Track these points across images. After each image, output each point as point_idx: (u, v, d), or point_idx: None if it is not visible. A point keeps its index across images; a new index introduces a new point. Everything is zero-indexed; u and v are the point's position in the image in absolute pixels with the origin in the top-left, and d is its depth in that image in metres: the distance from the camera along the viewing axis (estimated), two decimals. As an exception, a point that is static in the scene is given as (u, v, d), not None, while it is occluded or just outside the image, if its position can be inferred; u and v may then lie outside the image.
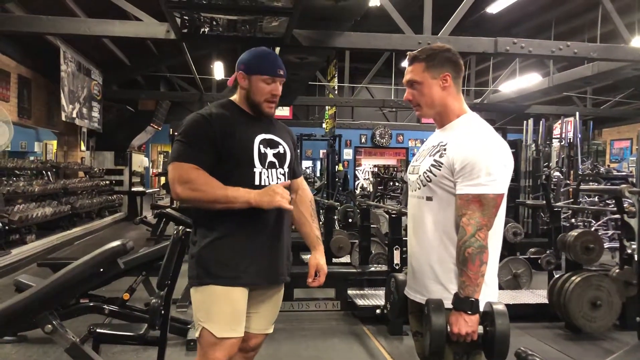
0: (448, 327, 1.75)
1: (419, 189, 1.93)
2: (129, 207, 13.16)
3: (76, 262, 2.37)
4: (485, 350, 1.78)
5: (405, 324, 4.37)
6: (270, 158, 2.17)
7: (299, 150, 13.02)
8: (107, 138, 12.76)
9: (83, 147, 11.91)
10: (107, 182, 12.16)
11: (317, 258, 2.29)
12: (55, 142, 12.65)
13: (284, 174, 2.21)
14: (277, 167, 2.19)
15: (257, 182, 2.12)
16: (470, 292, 1.74)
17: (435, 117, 1.98)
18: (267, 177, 2.15)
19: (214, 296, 2.06)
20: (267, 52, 2.20)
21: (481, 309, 1.77)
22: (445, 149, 1.86)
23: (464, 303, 1.74)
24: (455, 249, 1.80)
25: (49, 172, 9.66)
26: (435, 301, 1.79)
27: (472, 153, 1.79)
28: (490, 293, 1.85)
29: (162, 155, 20.42)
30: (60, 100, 9.24)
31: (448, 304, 1.79)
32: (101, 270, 2.35)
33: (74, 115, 9.95)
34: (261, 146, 2.15)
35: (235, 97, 2.24)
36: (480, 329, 1.76)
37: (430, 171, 1.87)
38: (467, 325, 1.73)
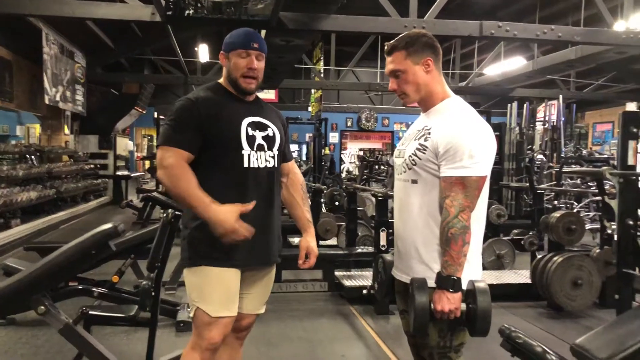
0: (432, 305, 1.80)
1: (405, 172, 1.97)
2: (114, 191, 13.09)
3: (68, 244, 2.39)
4: (468, 326, 1.84)
5: (392, 304, 4.46)
6: (259, 140, 2.18)
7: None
8: (91, 121, 12.63)
9: (67, 131, 11.79)
10: (91, 166, 12.06)
11: (307, 240, 2.32)
12: (38, 126, 12.50)
13: (273, 157, 2.22)
14: (266, 149, 2.20)
15: (245, 164, 2.13)
16: (453, 271, 1.79)
17: (420, 102, 2.02)
18: (257, 159, 2.16)
19: (207, 277, 2.10)
20: (243, 29, 2.22)
21: (464, 287, 1.82)
22: (429, 133, 1.90)
23: (447, 281, 1.79)
24: (438, 229, 1.84)
25: (32, 156, 9.56)
26: (419, 280, 1.83)
27: (455, 137, 1.83)
28: (474, 272, 1.91)
29: (146, 139, 20.29)
30: (43, 84, 9.14)
31: (432, 282, 1.84)
32: (93, 252, 2.37)
33: (58, 98, 9.85)
34: (249, 129, 2.16)
35: (222, 80, 2.26)
36: (463, 306, 1.81)
37: (416, 155, 1.91)
38: (449, 302, 1.78)
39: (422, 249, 1.91)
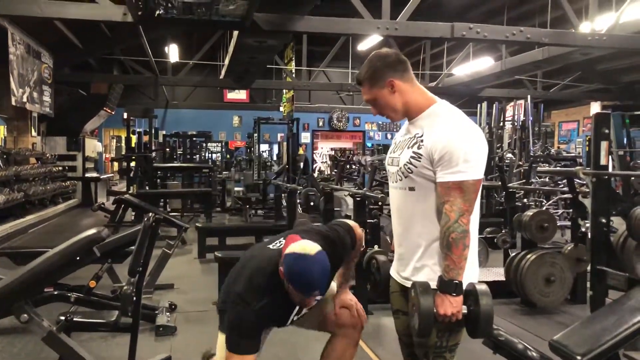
0: (434, 308, 1.81)
1: (401, 180, 1.98)
2: (83, 193, 12.83)
3: (52, 250, 2.35)
4: (469, 328, 1.87)
5: (370, 304, 4.51)
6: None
7: (257, 135, 12.58)
8: (59, 123, 12.33)
9: (34, 133, 11.53)
10: (59, 168, 11.80)
11: (342, 293, 2.49)
12: (3, 128, 12.19)
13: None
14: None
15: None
16: (454, 275, 1.81)
17: (405, 115, 2.04)
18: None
19: None
20: (305, 275, 2.00)
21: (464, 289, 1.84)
22: (422, 140, 1.91)
23: (449, 285, 1.81)
24: (438, 234, 1.86)
25: (-1, 159, 9.34)
26: (422, 284, 1.85)
27: (449, 142, 1.84)
28: (472, 273, 1.93)
29: (114, 140, 19.96)
30: (9, 84, 8.90)
31: (433, 285, 1.86)
32: (78, 258, 2.34)
33: (25, 99, 9.62)
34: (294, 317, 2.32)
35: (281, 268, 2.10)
36: (465, 309, 1.83)
37: (411, 163, 1.92)
38: (452, 306, 1.80)
39: (422, 254, 1.93)
